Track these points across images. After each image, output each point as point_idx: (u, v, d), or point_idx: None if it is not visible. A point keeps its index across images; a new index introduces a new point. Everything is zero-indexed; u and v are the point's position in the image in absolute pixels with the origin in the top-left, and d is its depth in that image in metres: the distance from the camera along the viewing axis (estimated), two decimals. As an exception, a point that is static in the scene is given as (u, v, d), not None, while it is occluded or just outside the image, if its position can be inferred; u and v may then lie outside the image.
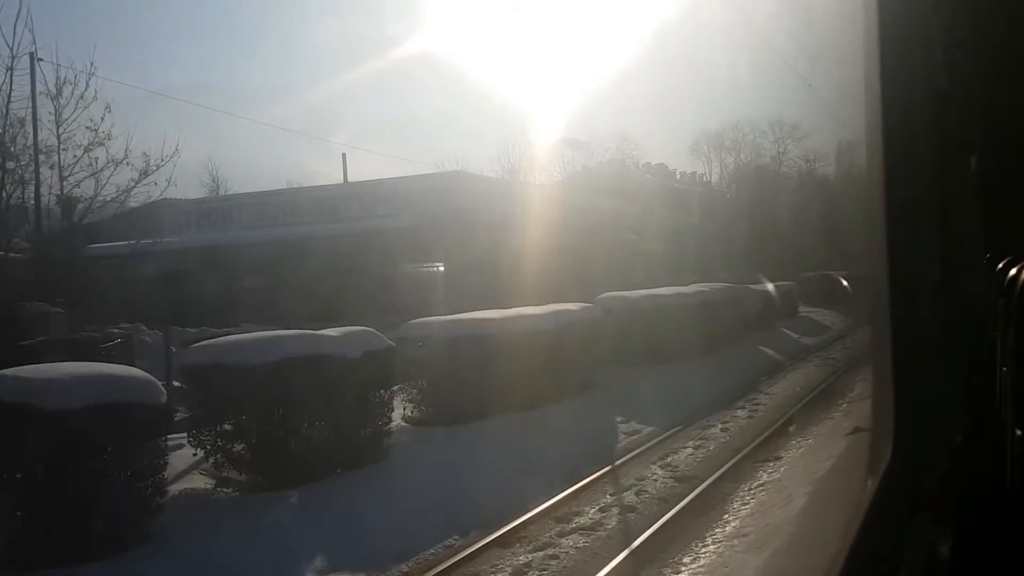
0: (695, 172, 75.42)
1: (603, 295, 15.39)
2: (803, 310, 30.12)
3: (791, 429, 10.41)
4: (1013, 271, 1.31)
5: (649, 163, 72.13)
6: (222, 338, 7.12)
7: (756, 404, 12.44)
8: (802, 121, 67.71)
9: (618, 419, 10.92)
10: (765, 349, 18.77)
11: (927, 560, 1.42)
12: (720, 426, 10.86)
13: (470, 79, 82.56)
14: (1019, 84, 1.62)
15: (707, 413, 11.67)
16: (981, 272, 1.59)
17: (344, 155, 33.94)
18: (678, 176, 73.68)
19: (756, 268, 45.19)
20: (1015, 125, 1.64)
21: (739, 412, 11.81)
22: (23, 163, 15.37)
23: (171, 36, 69.64)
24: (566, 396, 11.63)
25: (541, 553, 6.15)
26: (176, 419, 7.11)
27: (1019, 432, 1.20)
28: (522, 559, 6.05)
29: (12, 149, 14.99)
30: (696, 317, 16.56)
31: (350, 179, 31.06)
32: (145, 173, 14.91)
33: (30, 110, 15.90)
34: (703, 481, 8.00)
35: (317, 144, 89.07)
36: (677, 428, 10.64)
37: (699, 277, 41.70)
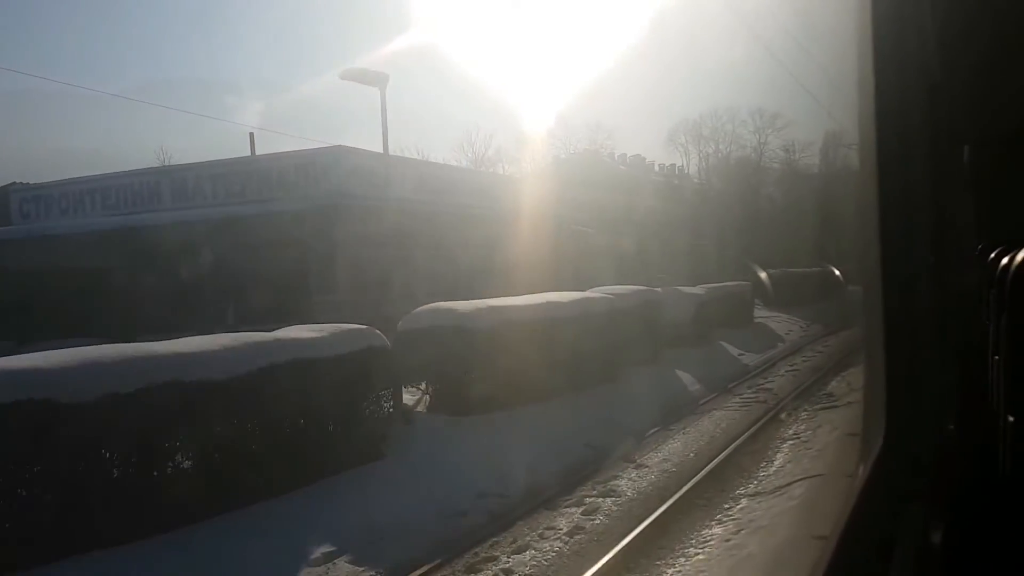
0: (674, 164, 70.57)
1: (422, 308, 10.36)
2: (763, 314, 25.11)
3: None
4: (1005, 260, 1.26)
5: (625, 154, 67.48)
6: None
7: (605, 496, 7.38)
8: (784, 110, 62.90)
9: (322, 550, 5.86)
10: (683, 375, 13.73)
11: (920, 545, 1.38)
12: (504, 563, 5.82)
13: (443, 69, 77.38)
14: (1010, 77, 1.60)
15: (508, 522, 6.67)
16: (973, 262, 1.63)
17: (252, 134, 28.96)
18: (656, 168, 69.01)
19: (726, 265, 40.35)
20: (1007, 117, 1.66)
21: (560, 521, 6.74)
22: None
23: (162, 32, 65.42)
24: (287, 488, 6.64)
25: None
26: None
27: (1011, 419, 1.17)
28: None
29: None
30: (579, 335, 11.55)
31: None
32: None
33: None
34: None
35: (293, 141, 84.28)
36: (419, 572, 5.62)
37: (664, 274, 36.90)
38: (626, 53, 65.30)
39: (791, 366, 15.60)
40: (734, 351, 17.07)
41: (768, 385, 13.32)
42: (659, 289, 17.25)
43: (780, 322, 23.65)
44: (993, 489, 1.29)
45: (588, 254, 37.18)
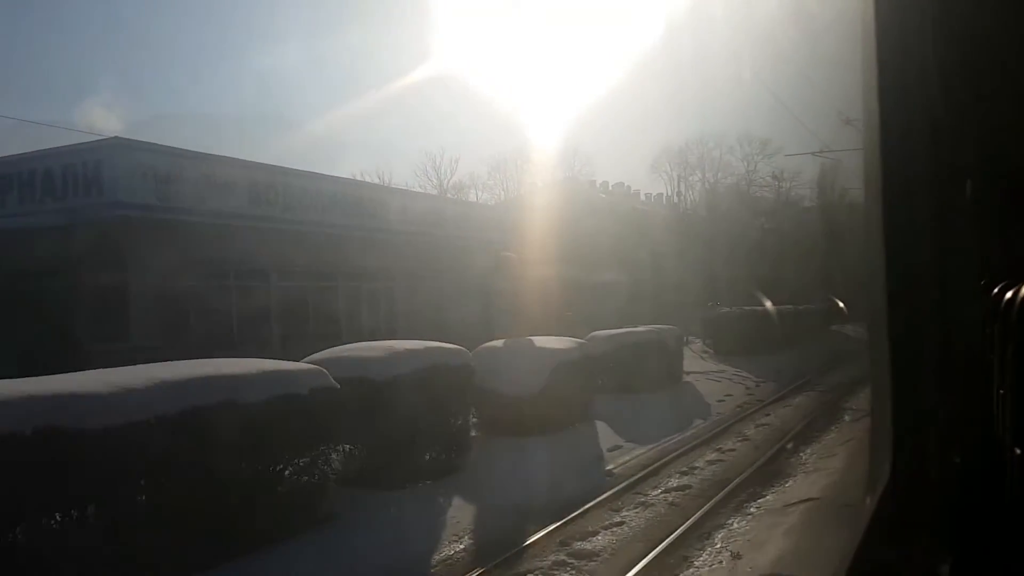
0: (661, 193, 64.23)
1: None
2: (704, 368, 18.68)
3: None
4: (1009, 294, 1.27)
5: (607, 182, 61.46)
6: None
7: None
8: (774, 136, 56.74)
9: None
10: (455, 515, 7.33)
11: None
12: None
13: (419, 100, 72.08)
14: (1011, 112, 1.57)
15: None
16: (978, 295, 1.54)
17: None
18: (643, 197, 62.99)
19: (711, 298, 33.76)
20: (1010, 151, 1.59)
21: None
22: None
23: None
24: None
25: None
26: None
27: (1018, 451, 1.16)
28: None
29: None
30: (168, 458, 5.23)
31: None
32: None
33: None
34: None
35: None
36: None
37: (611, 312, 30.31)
38: (610, 80, 59.67)
39: (682, 477, 9.04)
40: (608, 440, 10.59)
41: (601, 540, 6.79)
42: (499, 343, 10.91)
43: (721, 380, 17.11)
44: (1000, 521, 1.25)
45: (521, 288, 30.68)
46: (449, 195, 53.20)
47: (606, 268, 40.13)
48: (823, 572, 5.24)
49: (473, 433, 10.40)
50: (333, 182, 21.06)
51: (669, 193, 62.38)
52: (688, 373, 17.15)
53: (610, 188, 59.02)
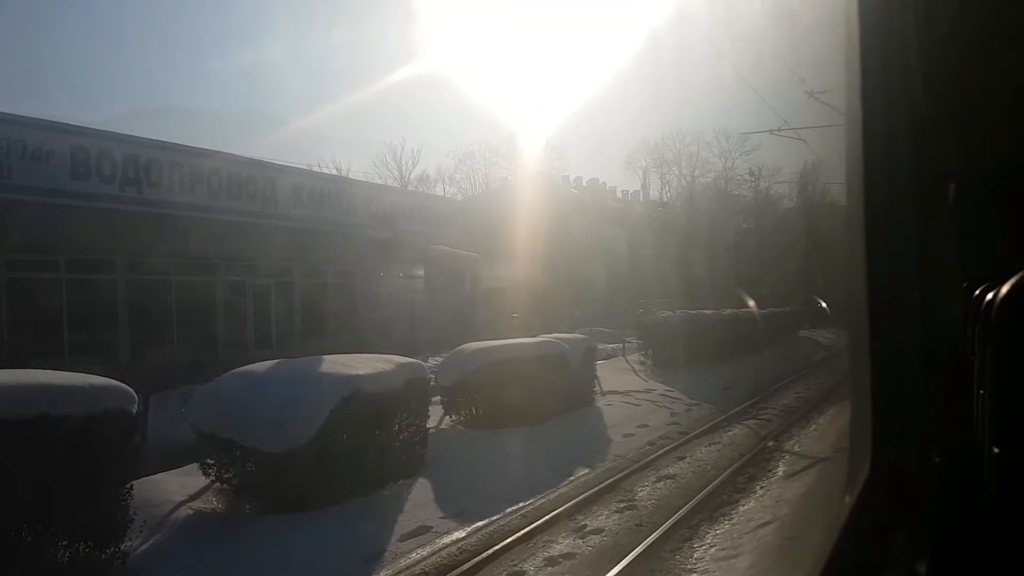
0: (638, 191, 60.68)
1: None
2: (627, 387, 15.09)
3: None
4: (989, 296, 1.22)
5: (581, 178, 57.83)
6: None
7: None
8: (753, 134, 53.25)
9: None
10: None
11: (905, 575, 1.33)
12: None
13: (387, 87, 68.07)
14: (994, 117, 1.52)
15: None
16: (959, 297, 1.50)
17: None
18: (619, 194, 59.53)
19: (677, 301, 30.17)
20: (990, 155, 1.54)
21: None
22: None
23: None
24: None
25: None
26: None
27: (996, 450, 1.12)
28: None
29: None
30: None
31: None
32: None
33: None
34: None
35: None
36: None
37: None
38: (588, 76, 56.19)
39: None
40: (419, 515, 6.92)
41: None
42: (262, 366, 7.27)
43: (643, 402, 13.48)
44: (977, 519, 1.21)
45: (460, 290, 27.01)
46: (411, 188, 49.37)
47: (573, 268, 36.44)
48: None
49: (214, 506, 6.77)
50: (198, 155, 17.20)
51: (648, 188, 58.86)
52: (606, 393, 13.54)
53: (584, 184, 55.49)
